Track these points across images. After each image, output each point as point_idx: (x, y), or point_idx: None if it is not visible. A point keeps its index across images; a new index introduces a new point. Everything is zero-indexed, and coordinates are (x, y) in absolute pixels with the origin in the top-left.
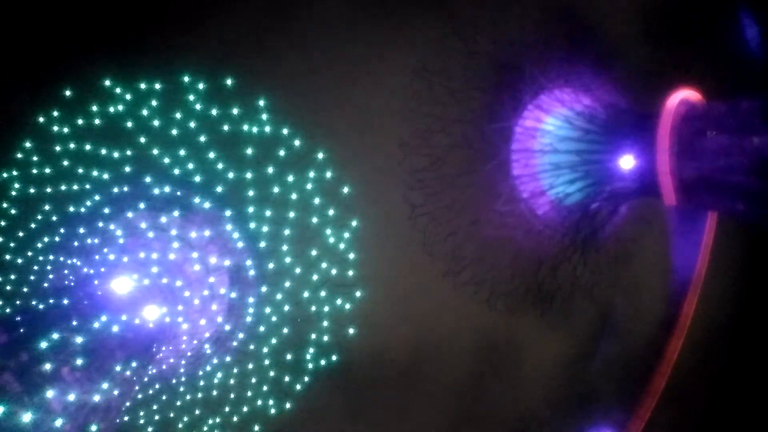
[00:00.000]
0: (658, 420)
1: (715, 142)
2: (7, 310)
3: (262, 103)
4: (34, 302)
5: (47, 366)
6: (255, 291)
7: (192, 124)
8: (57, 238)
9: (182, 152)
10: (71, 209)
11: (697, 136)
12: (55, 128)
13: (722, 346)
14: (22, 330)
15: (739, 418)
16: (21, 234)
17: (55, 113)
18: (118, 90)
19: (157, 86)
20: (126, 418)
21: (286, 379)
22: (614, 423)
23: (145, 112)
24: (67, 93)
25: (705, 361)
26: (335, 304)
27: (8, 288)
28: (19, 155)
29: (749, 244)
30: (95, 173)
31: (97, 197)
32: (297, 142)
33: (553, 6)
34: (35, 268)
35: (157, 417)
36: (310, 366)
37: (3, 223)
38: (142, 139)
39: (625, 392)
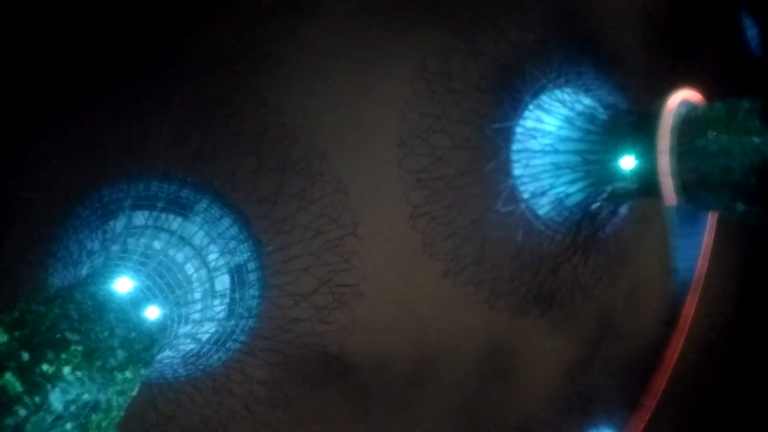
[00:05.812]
0: (658, 420)
1: (715, 142)
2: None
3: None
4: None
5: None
6: (256, 291)
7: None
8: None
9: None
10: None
11: (697, 136)
12: None
13: (722, 347)
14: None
15: (739, 418)
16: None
17: None
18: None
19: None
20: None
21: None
22: (614, 423)
23: None
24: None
25: (705, 361)
26: (335, 305)
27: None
28: None
29: (749, 244)
30: None
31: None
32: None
33: (554, 6)
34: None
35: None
36: (310, 368)
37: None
38: None
39: (625, 392)
